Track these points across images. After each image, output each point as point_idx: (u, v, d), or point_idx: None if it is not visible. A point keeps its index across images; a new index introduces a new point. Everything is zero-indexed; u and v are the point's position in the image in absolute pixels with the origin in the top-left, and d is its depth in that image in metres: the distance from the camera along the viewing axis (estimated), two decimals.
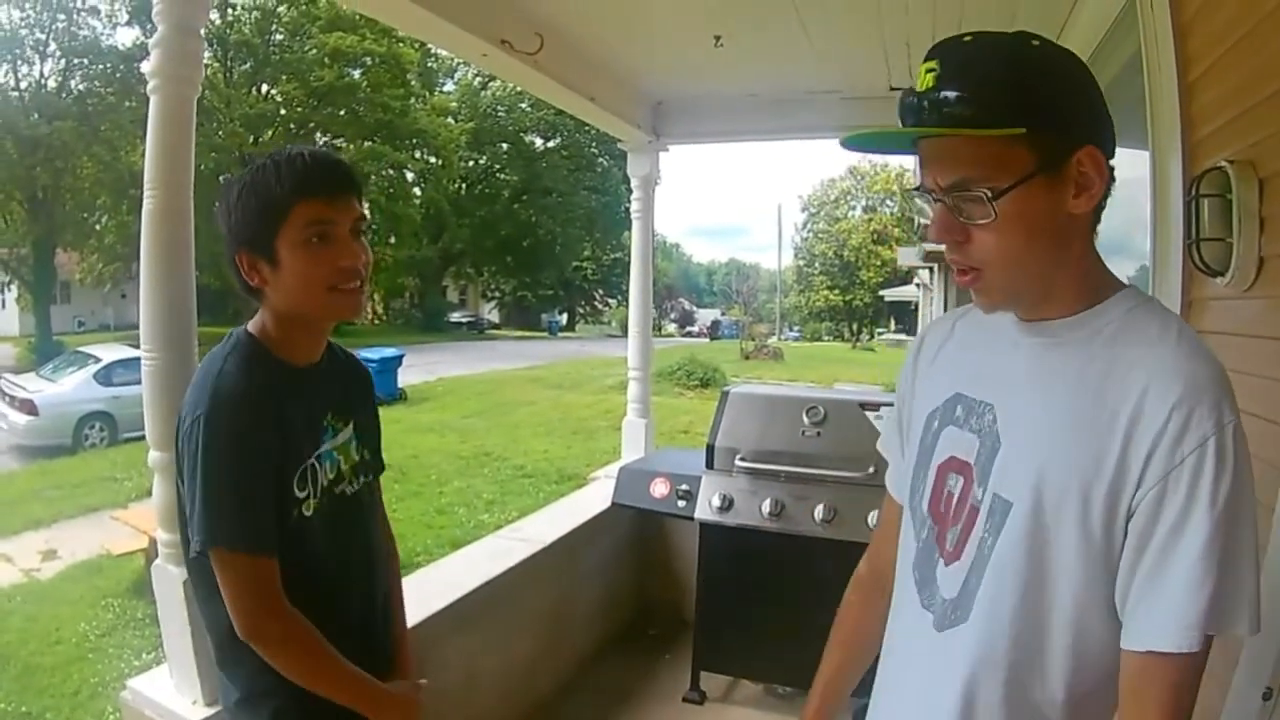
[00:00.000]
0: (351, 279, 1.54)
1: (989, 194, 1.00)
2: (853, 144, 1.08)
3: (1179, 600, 0.95)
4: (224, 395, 1.47)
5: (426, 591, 2.95)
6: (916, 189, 1.08)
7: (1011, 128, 0.97)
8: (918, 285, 33.25)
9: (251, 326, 1.59)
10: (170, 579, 2.01)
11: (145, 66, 2.01)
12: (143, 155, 2.01)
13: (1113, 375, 1.01)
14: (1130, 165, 2.70)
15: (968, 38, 1.03)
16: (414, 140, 37.40)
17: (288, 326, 1.58)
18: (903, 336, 44.34)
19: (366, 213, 1.60)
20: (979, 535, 1.09)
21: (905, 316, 47.37)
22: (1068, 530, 1.01)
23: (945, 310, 20.06)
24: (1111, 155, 1.05)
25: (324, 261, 1.51)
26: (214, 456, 1.45)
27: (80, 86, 26.13)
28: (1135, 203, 2.54)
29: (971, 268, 1.06)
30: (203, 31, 2.07)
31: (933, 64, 1.01)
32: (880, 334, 50.39)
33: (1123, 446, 0.98)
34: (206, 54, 2.25)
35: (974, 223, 1.03)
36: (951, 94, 0.99)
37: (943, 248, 1.08)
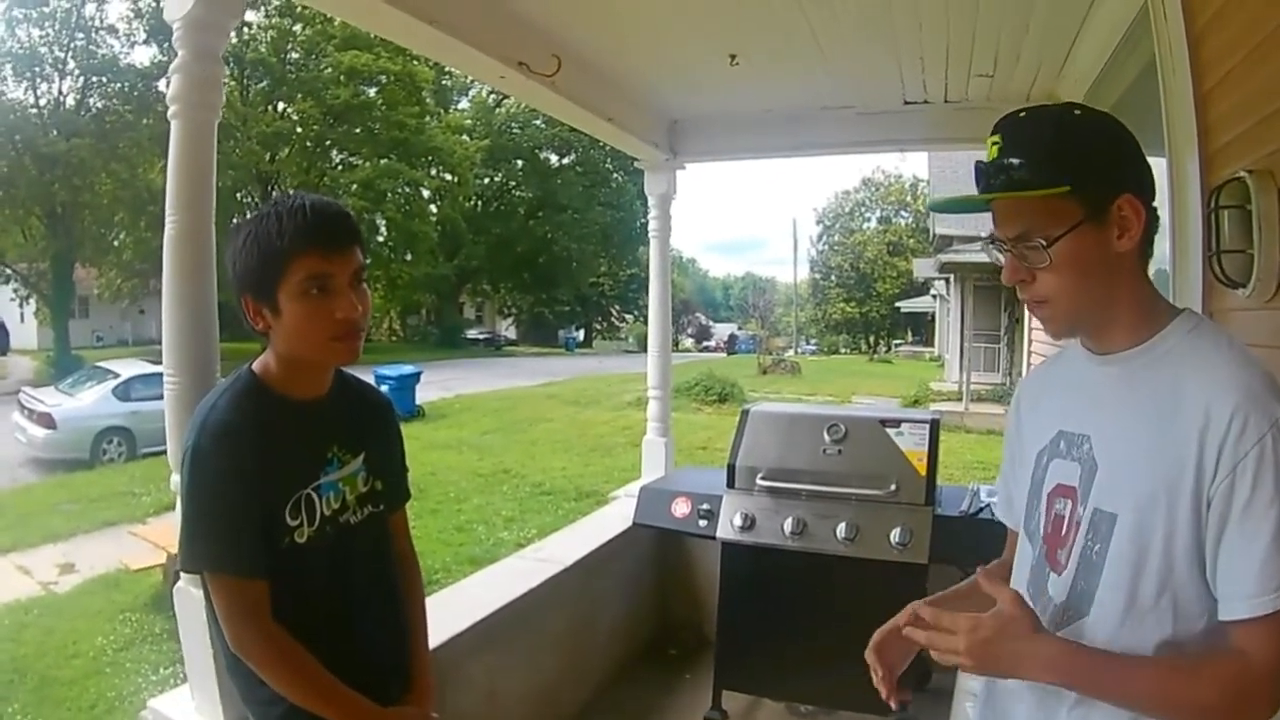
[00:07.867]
0: (350, 329, 1.60)
1: (1044, 243, 1.20)
2: (938, 208, 1.33)
3: (1263, 569, 1.09)
4: (210, 431, 1.55)
5: (449, 612, 2.95)
6: (990, 239, 1.30)
7: (1057, 187, 1.17)
8: (934, 296, 33.16)
9: (257, 363, 1.66)
10: (192, 601, 2.01)
11: (166, 91, 2.04)
12: (161, 172, 2.07)
13: (1181, 393, 1.17)
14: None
15: (1023, 113, 1.25)
16: (429, 157, 37.73)
17: (289, 366, 1.65)
18: (919, 348, 44.13)
19: (366, 261, 1.65)
20: (1082, 544, 1.27)
21: (921, 328, 47.15)
22: (1161, 528, 1.17)
23: (962, 321, 20.15)
24: (1152, 198, 1.23)
25: (323, 313, 1.56)
26: (198, 487, 1.56)
27: (98, 104, 26.51)
28: None
29: (1039, 302, 1.26)
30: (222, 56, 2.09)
31: (996, 138, 1.24)
32: (897, 345, 50.17)
33: (1198, 452, 1.13)
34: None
35: (1036, 267, 1.23)
36: (1011, 161, 1.22)
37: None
